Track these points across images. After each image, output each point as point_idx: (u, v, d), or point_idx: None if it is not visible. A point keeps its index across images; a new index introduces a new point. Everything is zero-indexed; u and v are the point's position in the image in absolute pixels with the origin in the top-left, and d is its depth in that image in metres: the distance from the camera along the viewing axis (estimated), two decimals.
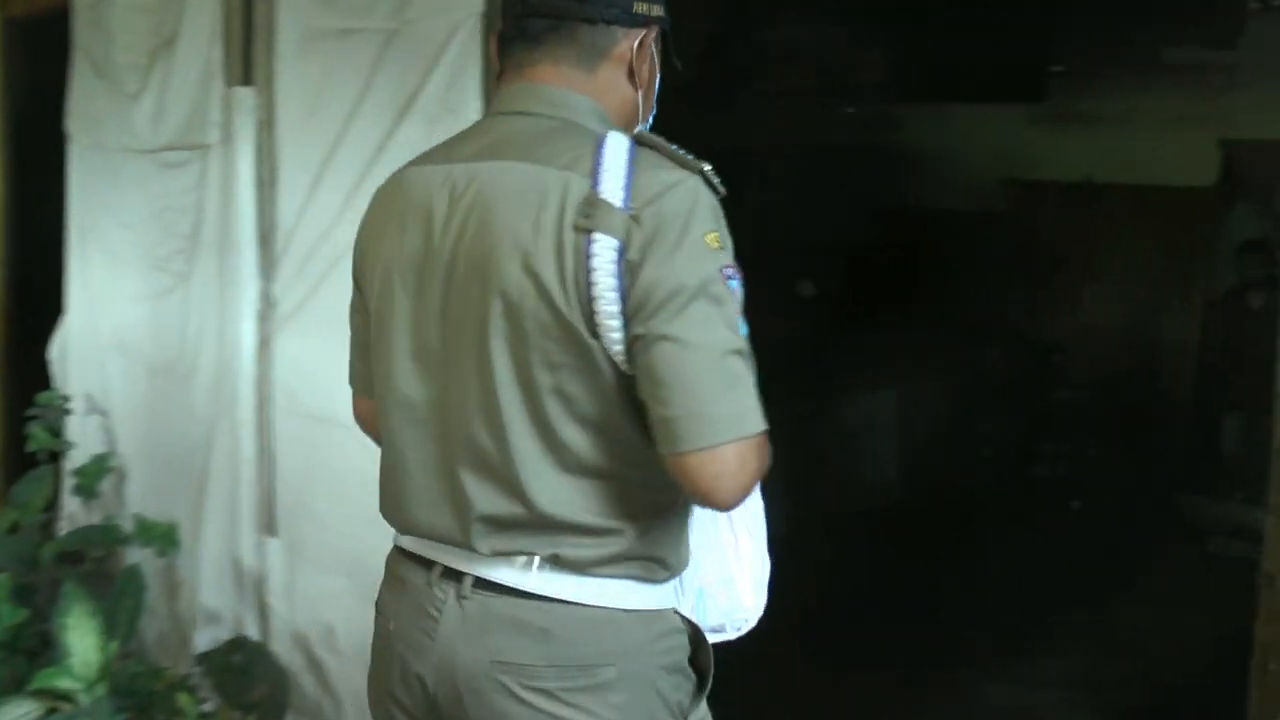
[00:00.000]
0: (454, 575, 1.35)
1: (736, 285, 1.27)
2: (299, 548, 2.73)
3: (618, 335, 1.24)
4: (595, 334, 1.25)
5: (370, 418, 1.50)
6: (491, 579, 1.33)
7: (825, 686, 3.63)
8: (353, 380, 1.55)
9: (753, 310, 1.28)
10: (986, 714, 3.66)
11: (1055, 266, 6.48)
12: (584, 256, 1.23)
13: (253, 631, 2.82)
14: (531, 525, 1.31)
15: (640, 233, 1.23)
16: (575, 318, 1.24)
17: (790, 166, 6.21)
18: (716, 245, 1.26)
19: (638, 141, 1.31)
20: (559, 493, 1.30)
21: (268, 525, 2.79)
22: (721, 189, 1.32)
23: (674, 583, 1.40)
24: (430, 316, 1.35)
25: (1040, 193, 6.51)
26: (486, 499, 1.32)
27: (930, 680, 3.81)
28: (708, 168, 1.30)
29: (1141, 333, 6.18)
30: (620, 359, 1.26)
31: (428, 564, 1.39)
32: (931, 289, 5.86)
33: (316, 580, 2.67)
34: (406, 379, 1.37)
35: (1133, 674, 3.95)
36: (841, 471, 5.33)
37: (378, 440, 1.49)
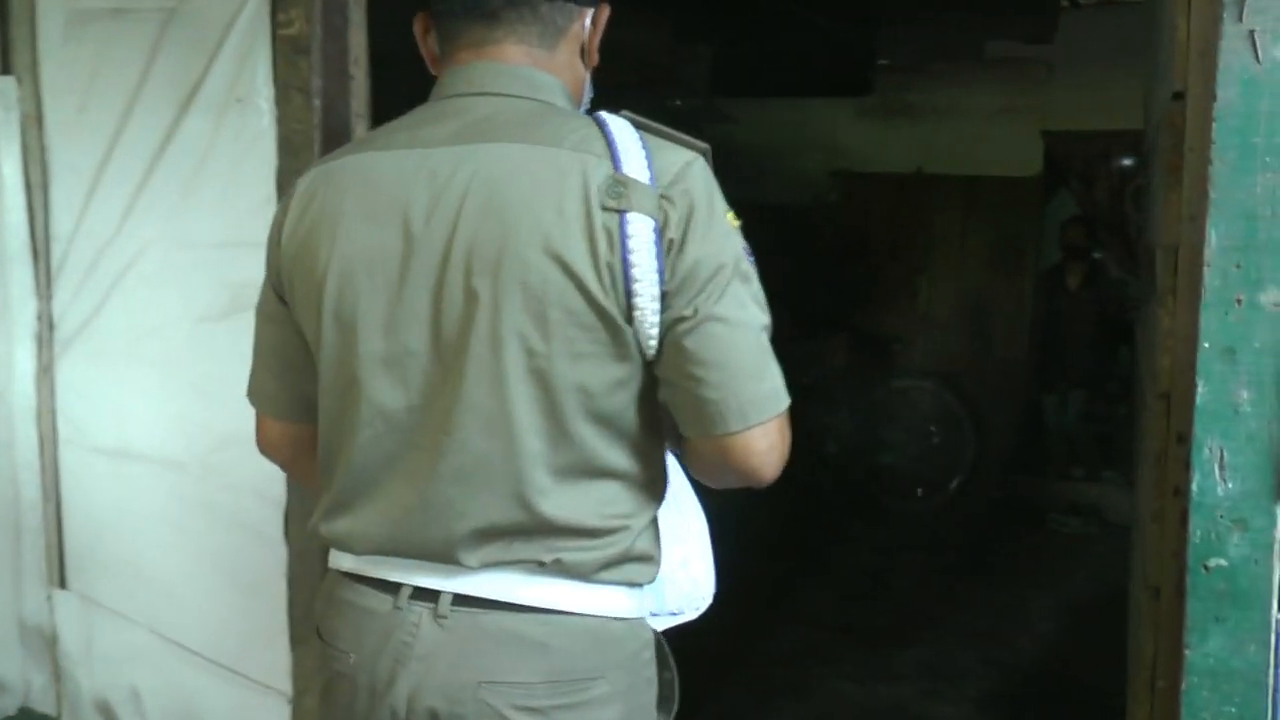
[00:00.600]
0: (426, 594, 1.26)
1: (752, 260, 1.27)
2: (95, 600, 2.44)
3: (654, 319, 1.19)
4: (630, 319, 1.19)
5: (284, 443, 1.42)
6: (477, 594, 1.25)
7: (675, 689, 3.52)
8: (260, 400, 1.41)
9: None
10: (844, 712, 3.59)
11: (891, 257, 6.58)
12: (620, 237, 1.17)
13: (44, 701, 2.50)
14: (533, 531, 1.23)
15: (675, 211, 1.19)
16: (610, 302, 1.17)
17: None
18: (736, 223, 1.25)
19: (633, 123, 1.26)
20: (566, 496, 1.23)
21: (57, 577, 2.50)
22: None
23: (649, 589, 1.35)
24: (411, 317, 1.23)
25: (872, 184, 6.60)
26: (480, 508, 1.23)
27: (781, 679, 3.75)
28: (707, 146, 1.27)
29: (976, 319, 6.33)
30: (651, 344, 1.21)
31: (390, 586, 1.28)
32: (767, 284, 5.83)
33: (117, 637, 2.40)
34: (379, 387, 1.25)
35: (988, 659, 3.97)
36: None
37: (293, 469, 1.44)
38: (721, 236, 1.22)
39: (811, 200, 6.75)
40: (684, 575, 1.45)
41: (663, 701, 1.37)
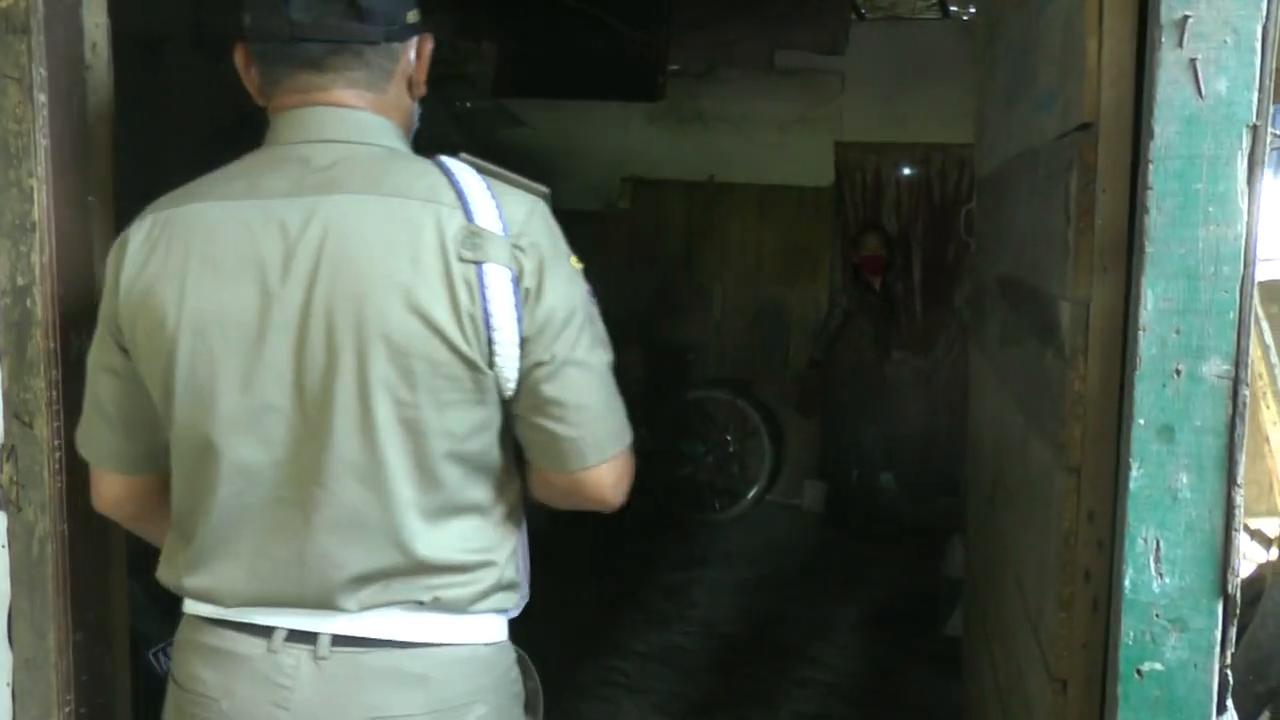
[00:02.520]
0: (303, 636, 1.28)
1: (595, 301, 1.33)
2: None
3: (514, 364, 1.24)
4: (491, 364, 1.24)
5: (128, 498, 1.40)
6: (357, 634, 1.28)
7: None
8: (98, 456, 1.38)
9: None
10: None
11: (684, 265, 6.49)
12: (479, 288, 1.20)
13: None
14: (409, 572, 1.27)
15: (528, 260, 1.23)
16: (473, 351, 1.22)
17: None
18: (579, 265, 1.31)
19: (475, 168, 1.29)
20: (436, 536, 1.27)
21: None
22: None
23: (511, 612, 1.40)
24: (271, 373, 1.23)
25: (664, 191, 6.49)
26: (358, 556, 1.26)
27: (592, 715, 3.53)
28: (546, 189, 1.31)
29: (771, 327, 6.32)
30: (510, 386, 1.26)
31: (262, 629, 1.29)
32: None
33: None
34: (238, 443, 1.25)
35: (800, 680, 3.87)
36: None
37: (138, 524, 1.44)
38: (568, 282, 1.27)
39: (602, 207, 6.58)
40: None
41: (530, 709, 1.44)
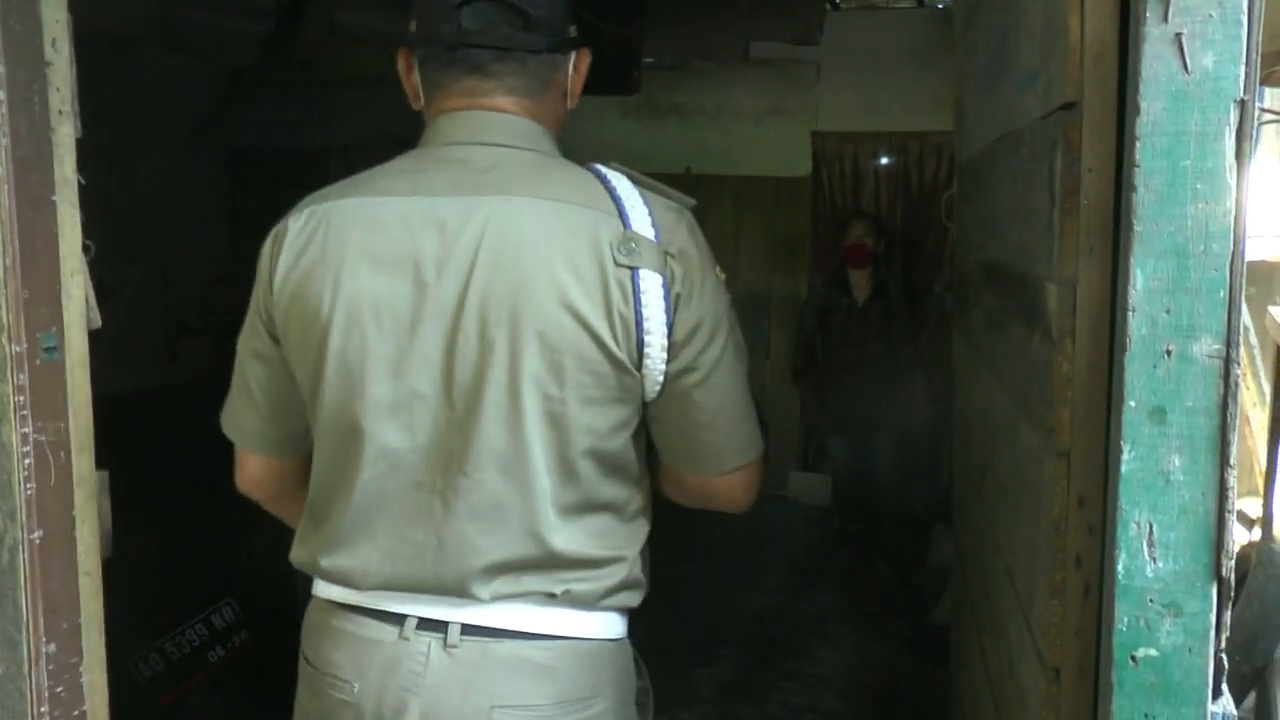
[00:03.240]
0: (432, 625, 1.33)
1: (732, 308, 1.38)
2: None
3: (660, 367, 1.28)
4: (639, 367, 1.28)
5: (269, 479, 1.47)
6: (487, 624, 1.32)
7: None
8: (244, 437, 1.45)
9: None
10: None
11: None
12: (633, 292, 1.25)
13: None
14: (544, 565, 1.31)
15: (679, 268, 1.28)
16: (621, 352, 1.26)
17: (375, 161, 5.68)
18: (722, 274, 1.36)
19: (629, 178, 1.33)
20: (571, 530, 1.31)
21: None
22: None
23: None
24: (421, 362, 1.29)
25: None
26: (496, 544, 1.30)
27: None
28: (694, 202, 1.36)
29: (751, 319, 6.30)
30: (655, 389, 1.31)
31: (394, 617, 1.34)
32: None
33: None
34: (384, 428, 1.31)
35: (788, 673, 3.85)
36: None
37: (276, 503, 1.51)
38: (715, 291, 1.32)
39: None
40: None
41: (640, 709, 1.48)
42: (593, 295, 1.24)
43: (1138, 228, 1.08)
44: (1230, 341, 1.06)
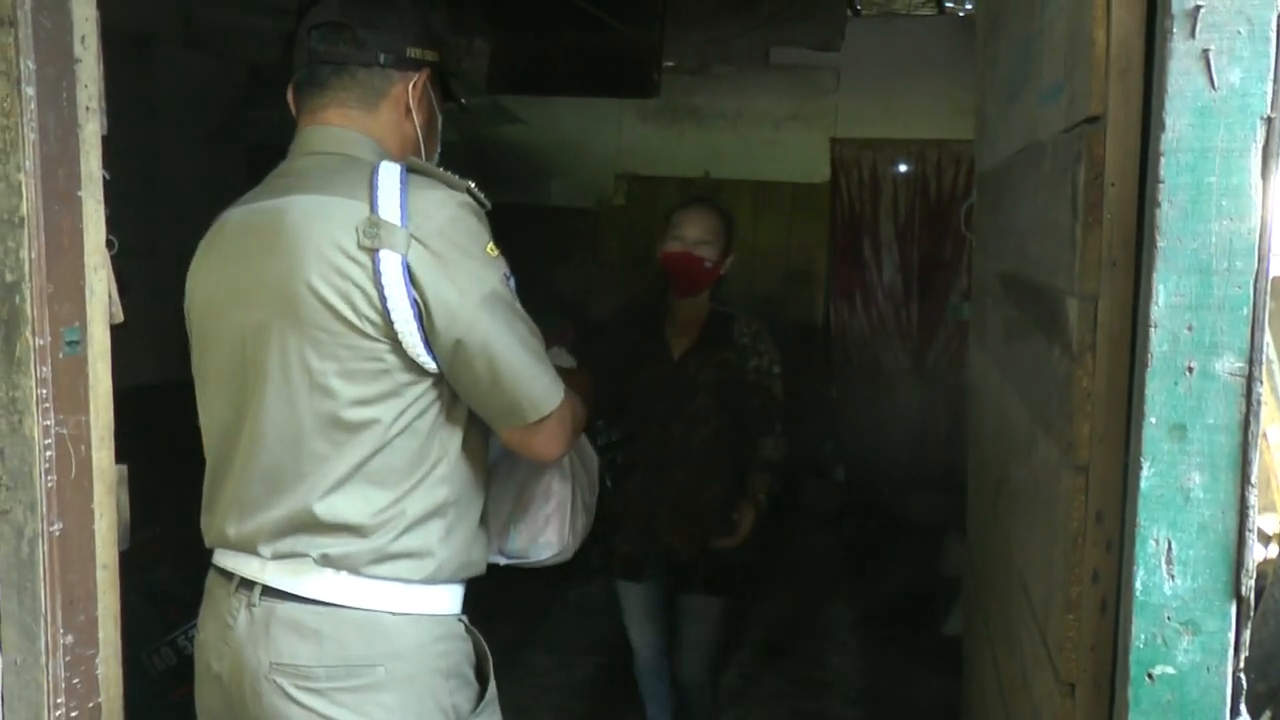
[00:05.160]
0: (247, 585, 1.50)
1: (513, 282, 1.51)
2: None
3: (416, 340, 1.41)
4: (394, 339, 1.42)
5: None
6: (274, 586, 1.47)
7: None
8: None
9: None
10: None
11: None
12: (374, 272, 1.39)
13: None
14: (308, 528, 1.45)
15: (423, 247, 1.41)
16: (368, 326, 1.41)
17: None
18: (495, 253, 1.48)
19: (409, 168, 1.47)
20: (341, 496, 1.44)
21: None
22: (486, 203, 1.51)
23: (451, 588, 1.54)
24: (233, 344, 1.50)
25: (658, 187, 6.47)
26: (273, 507, 1.47)
27: (575, 710, 3.50)
28: (472, 185, 1.49)
29: (769, 323, 6.29)
30: (425, 361, 1.43)
31: (229, 576, 1.53)
32: (552, 289, 5.69)
33: None
34: (219, 401, 1.54)
35: (796, 680, 3.84)
36: None
37: None
38: (481, 267, 1.45)
39: (597, 204, 6.56)
40: (528, 526, 1.74)
41: (479, 697, 1.55)
42: (332, 275, 1.40)
43: (1161, 243, 1.07)
44: (1253, 359, 1.06)
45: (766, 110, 6.20)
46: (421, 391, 1.46)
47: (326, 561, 1.44)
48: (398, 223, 1.40)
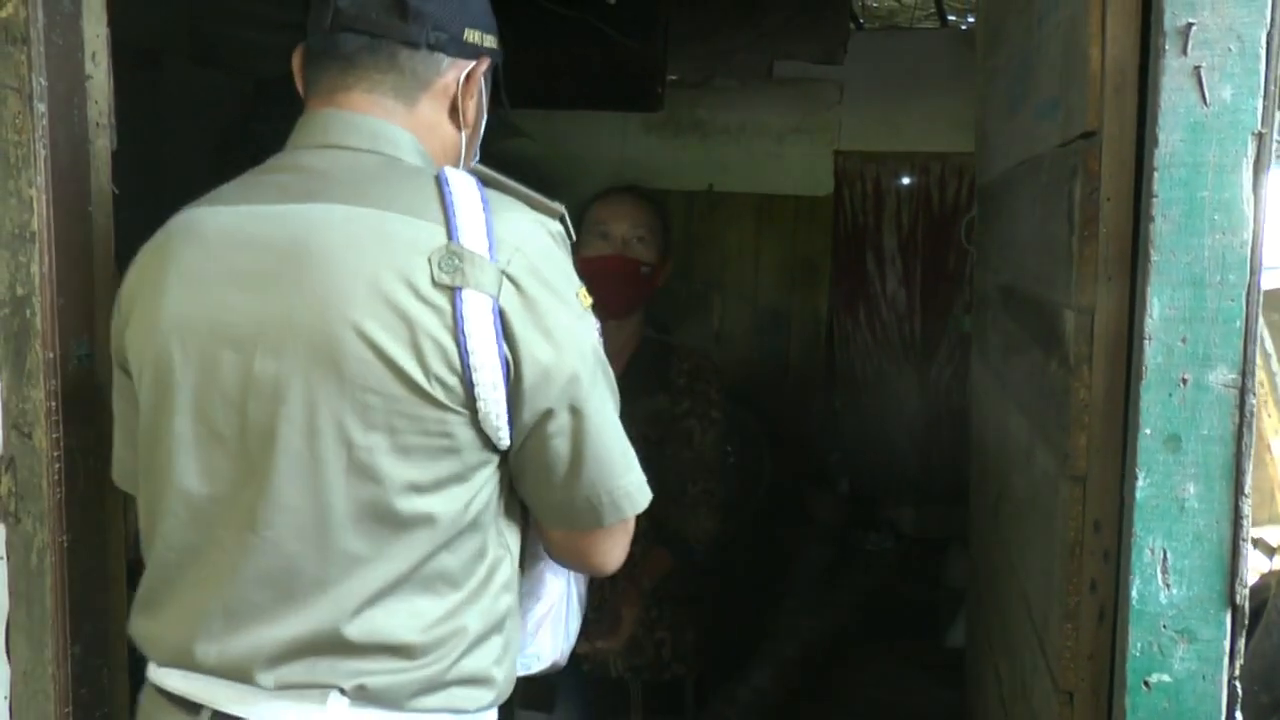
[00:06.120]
0: None
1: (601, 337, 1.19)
2: None
3: (499, 409, 1.08)
4: (472, 408, 1.08)
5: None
6: None
7: None
8: (124, 479, 1.33)
9: None
10: None
11: (683, 274, 6.48)
12: (455, 318, 1.06)
13: None
14: (335, 649, 1.09)
15: (516, 289, 1.08)
16: (439, 391, 1.06)
17: None
18: (588, 301, 1.16)
19: (482, 179, 1.15)
20: (383, 607, 1.09)
21: None
22: (574, 234, 1.20)
23: (493, 714, 1.22)
24: (220, 397, 1.11)
25: (662, 200, 6.49)
26: (281, 617, 1.09)
27: None
28: (563, 208, 1.17)
29: (771, 335, 6.31)
30: (501, 435, 1.10)
31: (192, 707, 1.14)
32: None
33: None
34: (185, 469, 1.13)
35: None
36: None
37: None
38: (575, 320, 1.13)
39: None
40: (531, 637, 1.36)
41: None
42: (395, 320, 1.05)
43: (1155, 257, 1.09)
44: (1246, 371, 1.08)
45: (770, 123, 6.23)
46: (489, 475, 1.14)
47: (363, 695, 1.09)
48: (485, 254, 1.07)
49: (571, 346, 1.11)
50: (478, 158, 1.31)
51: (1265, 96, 1.07)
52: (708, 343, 6.42)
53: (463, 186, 1.11)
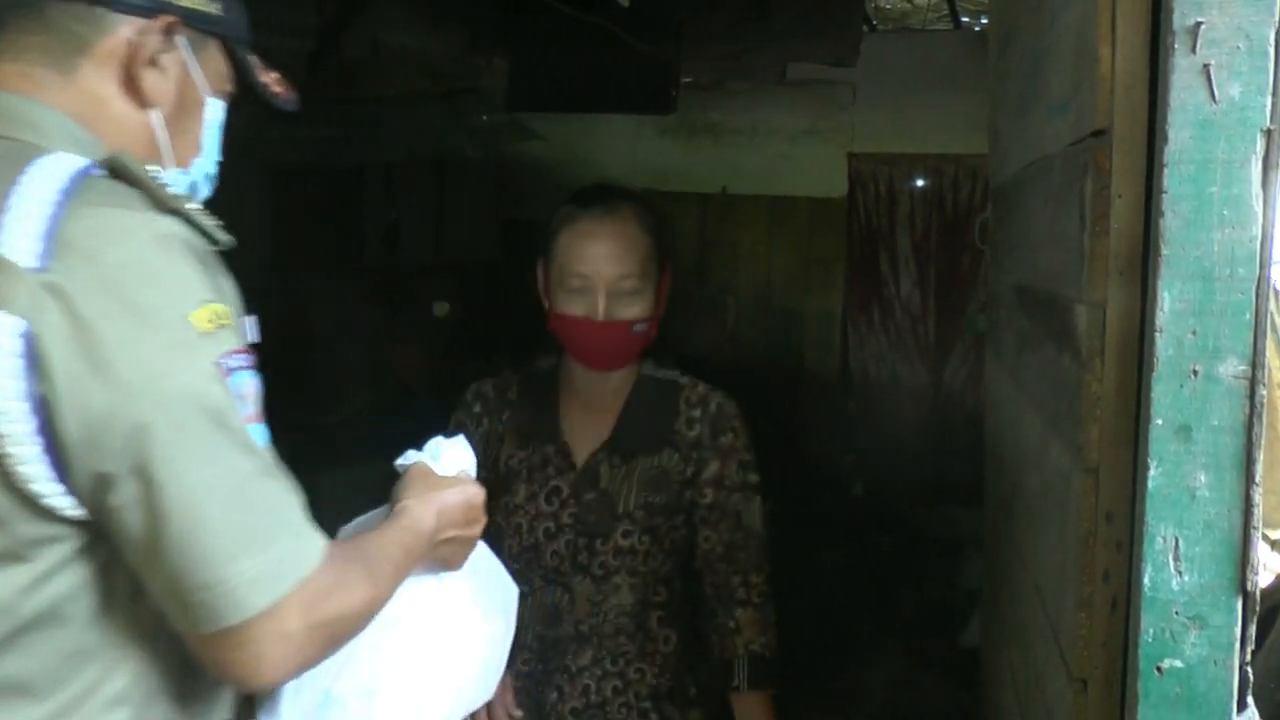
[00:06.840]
0: None
1: (248, 376, 0.93)
2: None
3: (39, 468, 0.85)
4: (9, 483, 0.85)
5: None
6: None
7: None
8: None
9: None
10: None
11: (697, 276, 6.52)
12: None
13: None
14: None
15: (65, 309, 0.84)
16: None
17: (413, 180, 5.80)
18: (208, 325, 0.89)
19: (107, 169, 0.91)
20: None
21: None
22: (221, 237, 0.97)
23: None
24: None
25: (676, 204, 6.53)
26: None
27: None
28: (194, 205, 0.95)
29: (785, 338, 6.34)
30: (54, 503, 0.86)
31: None
32: None
33: None
34: None
35: None
36: None
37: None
38: (161, 352, 0.86)
39: None
40: (360, 704, 1.08)
41: None
42: None
43: (1165, 252, 1.11)
44: (1255, 362, 1.09)
45: (783, 125, 6.26)
46: (69, 555, 0.89)
47: None
48: (24, 261, 0.84)
49: (144, 387, 0.85)
50: (218, 156, 1.10)
51: (1273, 94, 1.08)
52: (721, 345, 6.46)
53: (46, 174, 0.88)
